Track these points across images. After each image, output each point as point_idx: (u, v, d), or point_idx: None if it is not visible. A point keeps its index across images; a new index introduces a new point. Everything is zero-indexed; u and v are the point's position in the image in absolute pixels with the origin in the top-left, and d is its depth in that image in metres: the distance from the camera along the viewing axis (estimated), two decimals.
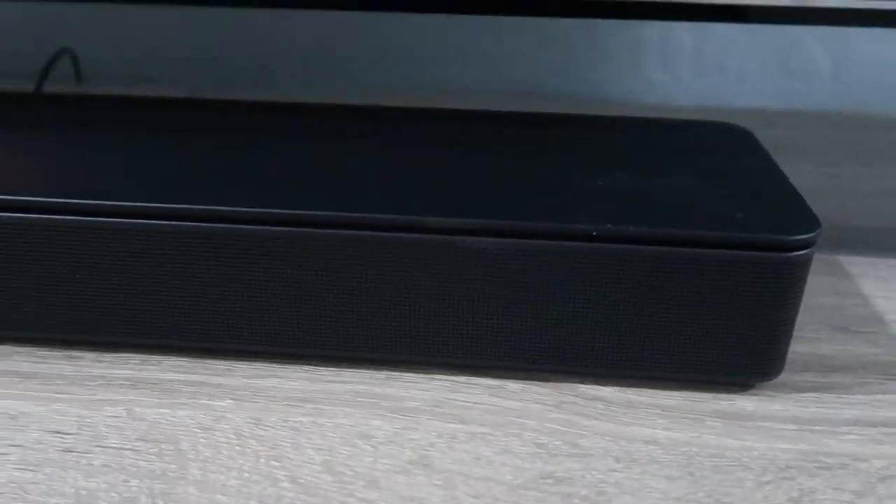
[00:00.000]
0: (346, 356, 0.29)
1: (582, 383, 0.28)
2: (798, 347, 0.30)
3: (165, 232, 0.27)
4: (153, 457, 0.25)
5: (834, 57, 0.61)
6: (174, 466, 0.24)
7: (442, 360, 0.28)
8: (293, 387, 0.28)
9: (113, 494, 0.23)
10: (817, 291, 0.34)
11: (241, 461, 0.25)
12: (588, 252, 0.26)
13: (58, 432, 0.26)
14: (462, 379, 0.28)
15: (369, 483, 0.24)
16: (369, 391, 0.28)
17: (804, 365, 0.29)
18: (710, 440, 0.26)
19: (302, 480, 0.24)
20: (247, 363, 0.29)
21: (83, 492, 0.23)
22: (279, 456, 0.25)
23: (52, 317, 0.28)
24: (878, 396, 0.28)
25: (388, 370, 0.29)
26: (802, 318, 0.32)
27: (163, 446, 0.25)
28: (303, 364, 0.29)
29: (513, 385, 0.28)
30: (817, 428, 0.26)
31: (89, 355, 0.29)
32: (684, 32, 0.62)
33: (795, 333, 0.30)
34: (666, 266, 0.25)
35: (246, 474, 0.24)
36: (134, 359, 0.29)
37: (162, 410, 0.27)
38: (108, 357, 0.29)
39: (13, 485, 0.24)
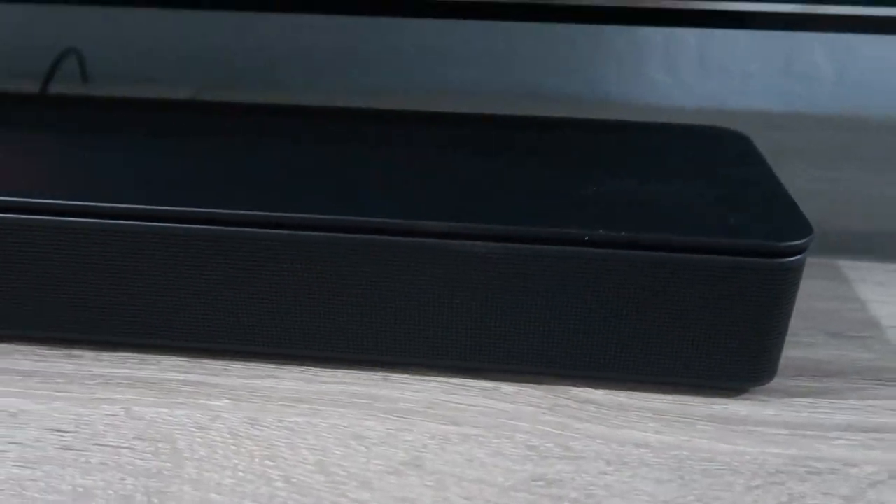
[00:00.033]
0: (343, 357, 0.29)
1: (575, 386, 0.28)
2: (793, 352, 0.30)
3: (165, 234, 0.27)
4: (150, 455, 0.25)
5: (837, 60, 0.61)
6: (170, 465, 0.25)
7: (437, 363, 0.28)
8: (289, 387, 0.28)
9: (109, 492, 0.24)
10: (814, 296, 0.34)
11: (236, 460, 0.25)
12: (581, 257, 0.26)
13: (57, 430, 0.26)
14: (457, 381, 0.29)
15: (361, 483, 0.24)
16: (364, 392, 0.28)
17: (798, 370, 0.30)
18: (701, 444, 0.26)
19: (295, 480, 0.24)
20: (244, 363, 0.29)
21: (80, 489, 0.24)
22: (273, 456, 0.25)
23: (52, 316, 0.29)
24: (871, 402, 0.28)
25: (384, 371, 0.29)
26: (798, 323, 0.32)
27: (159, 445, 0.26)
28: (299, 365, 0.29)
29: (507, 387, 0.28)
30: (809, 433, 0.26)
31: (89, 354, 0.30)
32: (688, 34, 0.62)
33: (790, 338, 0.31)
34: (658, 271, 0.26)
35: (240, 473, 0.24)
36: (133, 358, 0.30)
37: (159, 409, 0.27)
38: (107, 356, 0.30)
39: (12, 482, 0.24)
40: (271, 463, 0.25)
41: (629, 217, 0.26)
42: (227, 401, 0.27)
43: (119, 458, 0.25)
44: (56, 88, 0.54)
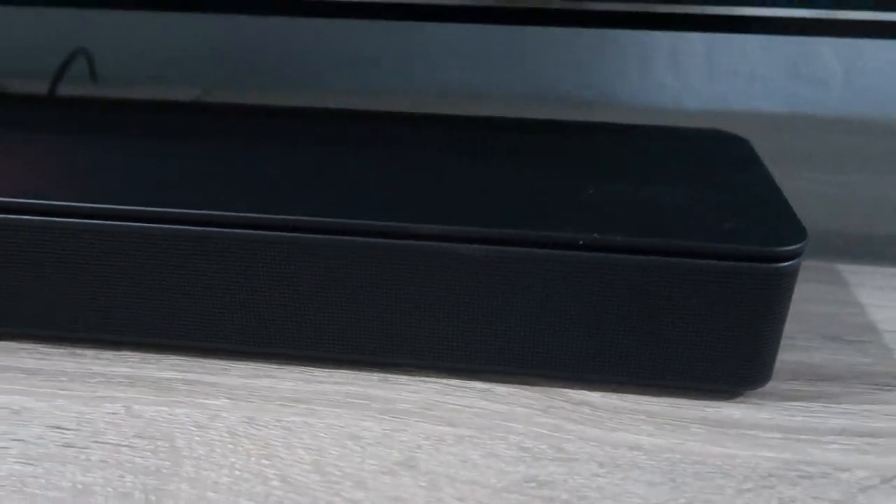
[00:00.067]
0: (340, 358, 0.29)
1: (570, 388, 0.29)
2: (789, 356, 0.30)
3: (167, 235, 0.27)
4: (149, 453, 0.26)
5: (846, 63, 0.61)
6: (168, 463, 0.25)
7: (433, 364, 0.29)
8: (287, 387, 0.29)
9: (108, 489, 0.24)
10: (813, 300, 0.34)
11: (234, 459, 0.25)
12: (576, 260, 0.26)
13: (58, 427, 0.27)
14: (454, 382, 0.29)
15: (356, 483, 0.24)
16: (361, 392, 0.28)
17: (794, 374, 0.30)
18: (693, 447, 0.26)
19: (291, 479, 0.25)
20: (243, 363, 0.30)
21: (80, 486, 0.24)
22: (270, 455, 0.25)
23: (56, 315, 0.29)
24: (866, 406, 0.28)
25: (381, 372, 0.29)
26: (796, 327, 0.32)
27: (158, 443, 0.26)
28: (298, 365, 0.30)
29: (502, 389, 0.29)
30: (802, 437, 0.27)
31: (91, 353, 0.30)
32: (695, 36, 0.62)
33: (787, 342, 0.31)
34: (653, 275, 0.26)
35: (237, 472, 0.25)
36: (134, 357, 0.30)
37: (159, 408, 0.27)
38: (108, 355, 0.30)
39: (13, 478, 0.25)
40: (268, 462, 0.25)
41: (625, 221, 0.27)
42: (225, 400, 0.28)
43: (119, 455, 0.25)
44: (65, 88, 0.54)
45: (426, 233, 0.26)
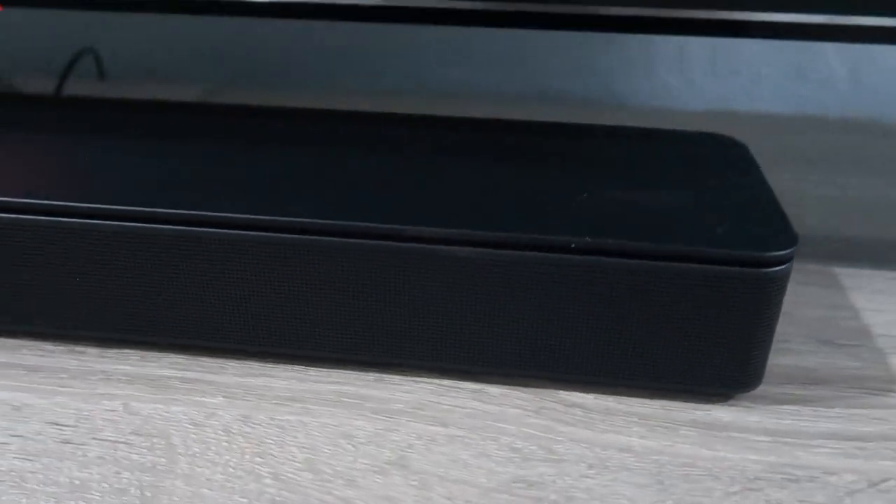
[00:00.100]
0: (335, 358, 0.30)
1: (563, 389, 0.29)
2: (781, 359, 0.31)
3: (167, 235, 0.28)
4: (145, 450, 0.26)
5: (850, 64, 0.61)
6: (164, 460, 0.26)
7: (427, 364, 0.29)
8: (283, 386, 0.29)
9: (104, 485, 0.25)
10: (809, 303, 0.35)
11: (228, 457, 0.26)
12: (568, 264, 0.26)
13: (57, 424, 0.27)
14: (447, 382, 0.29)
15: (347, 482, 0.25)
16: (355, 392, 0.29)
17: (785, 377, 0.30)
18: (682, 449, 0.26)
19: (284, 477, 0.25)
20: (240, 362, 0.30)
21: (77, 482, 0.25)
22: (264, 453, 0.26)
23: (58, 313, 0.30)
24: (856, 410, 0.28)
25: (375, 372, 0.30)
26: (790, 330, 0.32)
27: (154, 440, 0.26)
28: (293, 364, 0.30)
29: (495, 390, 0.29)
30: (791, 440, 0.27)
31: (92, 350, 0.31)
32: (700, 38, 0.62)
33: (781, 345, 0.31)
34: (645, 278, 0.26)
35: (231, 470, 0.25)
36: (134, 355, 0.30)
37: (156, 406, 0.28)
38: (109, 353, 0.31)
39: (13, 473, 0.25)
40: (261, 460, 0.26)
41: (617, 224, 0.27)
42: (221, 398, 0.28)
43: (115, 452, 0.26)
44: (72, 86, 0.55)
45: (421, 235, 0.27)
